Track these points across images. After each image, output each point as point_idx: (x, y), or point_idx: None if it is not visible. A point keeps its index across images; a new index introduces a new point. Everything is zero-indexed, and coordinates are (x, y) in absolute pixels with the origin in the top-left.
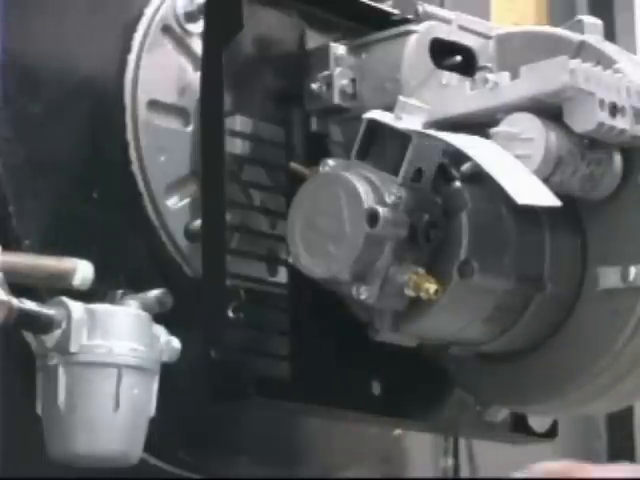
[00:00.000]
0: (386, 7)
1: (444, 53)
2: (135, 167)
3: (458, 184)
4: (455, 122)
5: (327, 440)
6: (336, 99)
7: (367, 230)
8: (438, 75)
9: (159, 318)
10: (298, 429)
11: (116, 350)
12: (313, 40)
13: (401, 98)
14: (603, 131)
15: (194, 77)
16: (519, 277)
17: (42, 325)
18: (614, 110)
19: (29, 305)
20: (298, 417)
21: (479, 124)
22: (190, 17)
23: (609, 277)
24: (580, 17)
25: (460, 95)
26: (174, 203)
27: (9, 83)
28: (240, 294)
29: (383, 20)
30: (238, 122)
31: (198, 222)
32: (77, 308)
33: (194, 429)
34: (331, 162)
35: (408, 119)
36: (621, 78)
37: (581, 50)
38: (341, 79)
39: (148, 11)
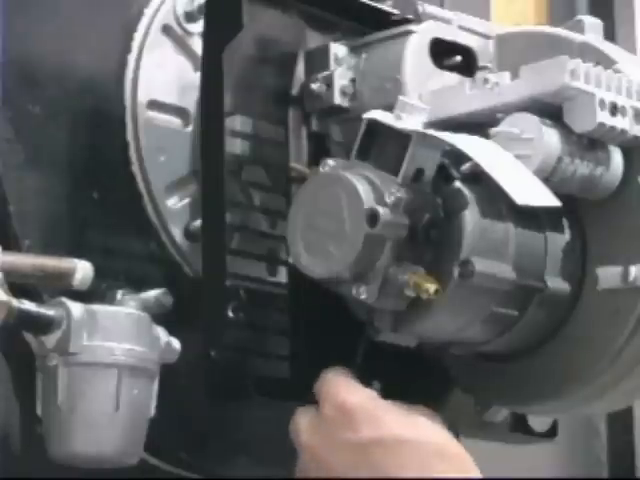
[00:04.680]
0: (386, 7)
1: (444, 53)
2: (135, 167)
3: (458, 184)
4: (455, 122)
5: None
6: (336, 99)
7: (367, 230)
8: (438, 75)
9: (159, 318)
10: None
11: (116, 351)
12: (313, 40)
13: (401, 98)
14: (603, 131)
15: (194, 77)
16: (519, 277)
17: (42, 326)
18: (614, 110)
19: (29, 306)
20: None
21: (479, 124)
22: (190, 17)
23: (609, 277)
24: (580, 17)
25: (460, 95)
26: (174, 203)
27: (9, 83)
28: (240, 294)
29: (383, 20)
30: (238, 122)
31: (198, 222)
32: (77, 309)
33: (194, 429)
34: (331, 162)
35: (408, 119)
36: (621, 78)
37: (581, 50)
38: (341, 79)
39: (148, 11)
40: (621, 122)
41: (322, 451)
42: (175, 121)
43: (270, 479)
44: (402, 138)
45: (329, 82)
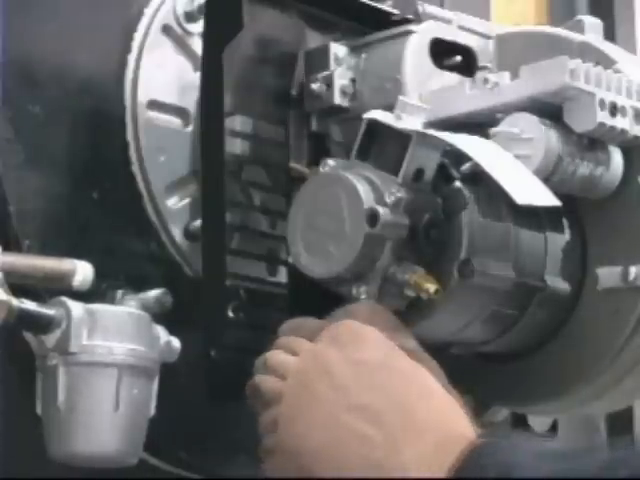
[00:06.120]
0: (386, 7)
1: (444, 53)
2: (135, 167)
3: (458, 184)
4: (455, 122)
5: None
6: (336, 99)
7: (367, 230)
8: (438, 75)
9: (159, 318)
10: None
11: (116, 350)
12: (313, 40)
13: (401, 98)
14: (603, 131)
15: (194, 77)
16: (519, 277)
17: (42, 325)
18: (614, 110)
19: (29, 305)
20: None
21: (479, 124)
22: (190, 17)
23: (609, 277)
24: (580, 17)
25: (460, 95)
26: (174, 203)
27: (9, 83)
28: (240, 294)
29: (383, 20)
30: (238, 122)
31: (198, 222)
32: (77, 308)
33: (194, 429)
34: (331, 162)
35: (408, 119)
36: (621, 78)
37: (581, 50)
38: (341, 79)
39: (148, 11)
40: (621, 122)
41: (335, 366)
42: (175, 121)
43: (270, 479)
44: (402, 138)
45: (329, 82)
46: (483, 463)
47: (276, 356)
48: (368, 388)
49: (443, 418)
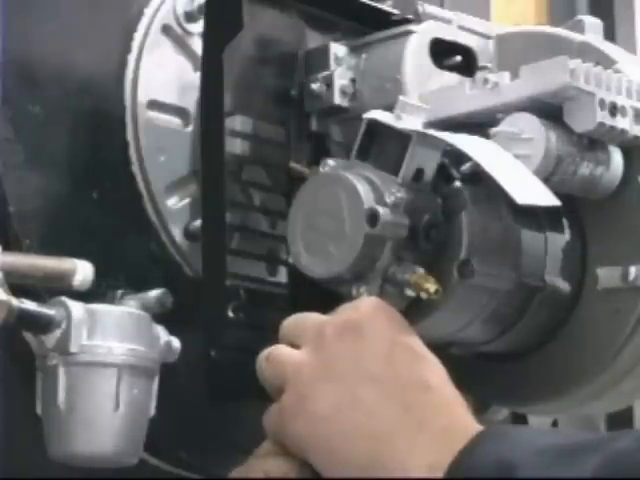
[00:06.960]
0: (386, 7)
1: (444, 53)
2: (135, 167)
3: (458, 184)
4: (455, 122)
5: None
6: (336, 99)
7: (367, 230)
8: (438, 75)
9: (159, 318)
10: None
11: (116, 350)
12: (313, 40)
13: (401, 98)
14: (603, 131)
15: (194, 77)
16: (519, 277)
17: (42, 325)
18: (614, 110)
19: (29, 305)
20: None
21: (479, 124)
22: (190, 17)
23: (609, 277)
24: (580, 17)
25: (460, 95)
26: (174, 203)
27: (9, 83)
28: (240, 294)
29: (383, 20)
30: (238, 122)
31: (198, 222)
32: (77, 308)
33: (194, 429)
34: (331, 162)
35: (408, 119)
36: (621, 78)
37: (581, 50)
38: (341, 79)
39: (148, 11)
40: (621, 122)
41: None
42: (175, 121)
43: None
44: (402, 138)
45: (329, 82)
46: (483, 462)
47: (279, 350)
48: (367, 382)
49: (442, 412)
